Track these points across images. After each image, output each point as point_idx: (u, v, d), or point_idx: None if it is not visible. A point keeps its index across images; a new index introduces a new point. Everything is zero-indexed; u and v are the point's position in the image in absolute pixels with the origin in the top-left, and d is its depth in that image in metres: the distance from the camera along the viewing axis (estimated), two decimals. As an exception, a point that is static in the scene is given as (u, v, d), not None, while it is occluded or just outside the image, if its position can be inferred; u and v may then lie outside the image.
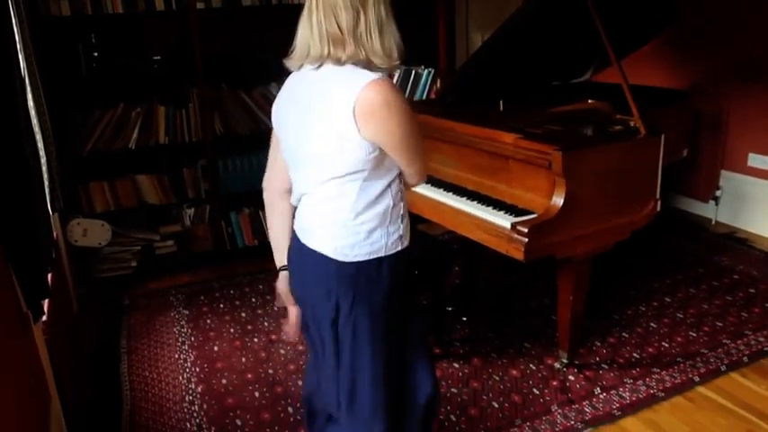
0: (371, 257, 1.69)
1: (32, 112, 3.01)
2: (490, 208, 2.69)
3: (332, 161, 1.63)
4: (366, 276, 1.70)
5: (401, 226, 1.74)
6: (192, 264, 4.25)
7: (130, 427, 2.67)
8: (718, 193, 4.65)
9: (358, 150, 1.59)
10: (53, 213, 3.30)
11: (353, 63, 1.60)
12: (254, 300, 3.76)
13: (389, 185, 1.70)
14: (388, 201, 1.70)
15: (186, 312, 3.64)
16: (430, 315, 3.15)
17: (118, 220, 4.03)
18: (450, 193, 2.92)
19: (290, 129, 1.74)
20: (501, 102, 3.48)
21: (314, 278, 1.75)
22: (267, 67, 4.06)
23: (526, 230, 2.43)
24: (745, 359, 2.98)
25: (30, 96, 2.98)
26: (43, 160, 3.05)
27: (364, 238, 1.68)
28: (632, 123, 2.89)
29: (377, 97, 1.54)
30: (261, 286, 3.92)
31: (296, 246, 1.80)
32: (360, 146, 1.59)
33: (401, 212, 1.74)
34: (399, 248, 1.74)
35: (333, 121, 1.58)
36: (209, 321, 3.53)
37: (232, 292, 3.88)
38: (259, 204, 4.31)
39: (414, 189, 2.33)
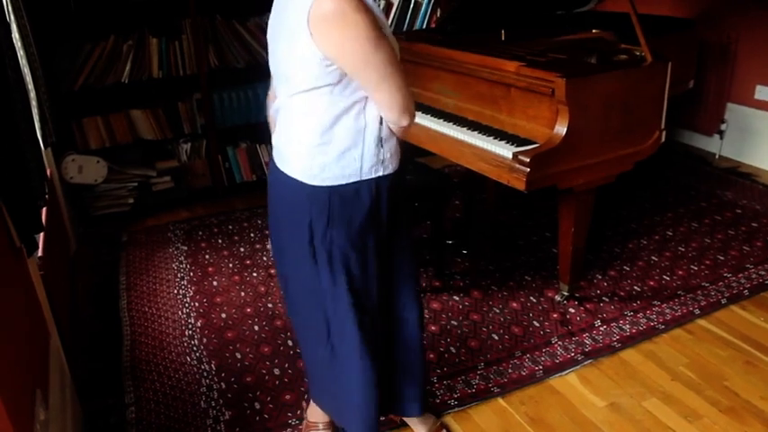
0: (346, 182, 1.64)
1: (18, 44, 2.91)
2: (491, 138, 2.62)
3: (294, 74, 1.59)
4: (341, 200, 1.65)
5: (381, 150, 1.66)
6: (190, 199, 4.21)
7: (131, 362, 2.67)
8: (723, 126, 4.57)
9: (316, 63, 1.52)
10: (45, 148, 3.24)
11: None
12: (252, 235, 3.73)
13: (363, 104, 1.62)
14: (360, 120, 1.62)
15: (185, 248, 3.62)
16: (429, 248, 3.13)
17: (113, 157, 3.97)
18: (451, 124, 2.84)
19: (269, 40, 1.71)
20: (502, 31, 3.38)
21: (288, 203, 1.73)
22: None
23: (528, 160, 2.37)
24: (746, 292, 2.97)
25: (14, 27, 2.88)
26: (32, 94, 2.97)
27: (335, 160, 1.62)
28: (637, 53, 2.80)
29: (330, 6, 1.44)
30: (259, 221, 3.89)
31: (271, 169, 1.78)
32: (316, 58, 1.51)
33: (379, 135, 1.65)
34: (380, 174, 1.67)
35: (292, 32, 1.53)
36: (207, 257, 3.51)
37: (230, 227, 3.86)
38: (256, 138, 4.31)
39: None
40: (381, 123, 1.65)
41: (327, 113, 1.60)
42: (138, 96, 3.98)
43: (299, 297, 1.89)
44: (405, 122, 1.62)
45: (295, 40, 1.53)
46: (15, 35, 2.90)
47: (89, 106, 3.89)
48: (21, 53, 2.94)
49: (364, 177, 1.65)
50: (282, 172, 1.71)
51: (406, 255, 1.88)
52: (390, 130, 1.67)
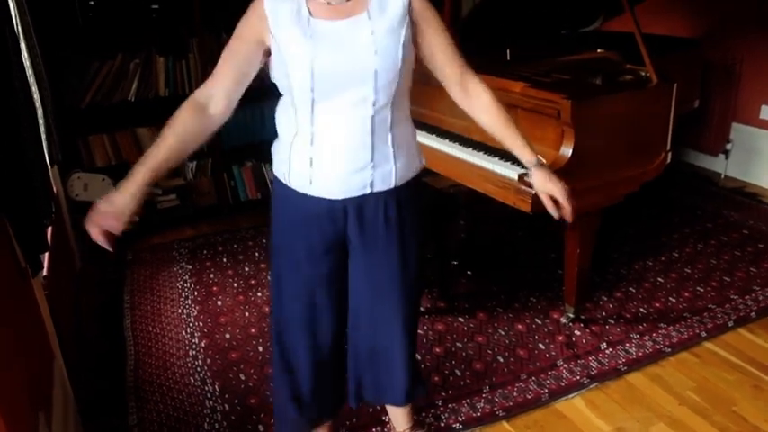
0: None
1: (27, 64, 2.93)
2: (497, 159, 2.63)
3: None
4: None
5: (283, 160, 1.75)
6: (195, 218, 4.21)
7: (135, 382, 2.66)
8: (728, 146, 4.57)
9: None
10: (52, 166, 3.25)
11: None
12: (257, 254, 3.73)
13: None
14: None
15: (189, 267, 3.62)
16: (434, 268, 3.12)
17: (119, 175, 3.92)
18: (456, 144, 2.85)
19: None
20: (508, 51, 3.39)
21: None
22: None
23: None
24: (753, 315, 2.95)
25: (23, 46, 2.90)
26: (39, 112, 2.99)
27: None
28: (643, 73, 2.81)
29: None
30: (264, 240, 3.88)
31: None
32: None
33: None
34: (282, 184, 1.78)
35: None
36: (212, 276, 3.50)
37: (235, 246, 3.85)
38: (261, 157, 4.32)
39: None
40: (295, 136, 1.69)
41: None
42: (144, 114, 3.98)
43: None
44: None
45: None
46: (24, 54, 2.93)
47: (95, 124, 3.91)
48: (29, 72, 2.96)
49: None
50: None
51: (387, 293, 1.87)
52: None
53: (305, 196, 1.71)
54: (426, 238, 2.96)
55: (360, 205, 1.70)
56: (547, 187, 1.80)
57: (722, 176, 4.60)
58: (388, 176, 1.68)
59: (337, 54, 1.56)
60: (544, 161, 1.82)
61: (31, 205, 2.10)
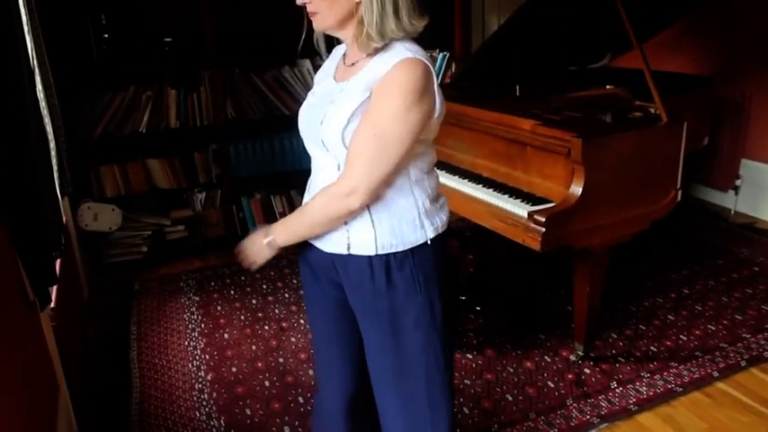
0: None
1: (41, 95, 2.96)
2: (506, 196, 2.62)
3: None
4: None
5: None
6: (203, 249, 4.22)
7: (139, 415, 2.64)
8: (738, 182, 4.56)
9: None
10: (62, 198, 3.27)
11: None
12: (264, 287, 3.72)
13: None
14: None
15: (197, 299, 3.61)
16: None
17: (129, 205, 4.00)
18: (466, 180, 2.85)
19: None
20: (517, 87, 3.41)
21: None
22: (279, 50, 4.01)
23: (543, 220, 2.36)
24: (766, 354, 2.91)
25: (38, 78, 2.94)
26: (52, 144, 3.01)
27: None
28: (652, 110, 2.81)
29: None
30: (272, 273, 3.88)
31: None
32: None
33: None
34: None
35: None
36: (219, 308, 3.49)
37: (243, 278, 3.85)
38: (270, 189, 4.33)
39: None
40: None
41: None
42: (155, 146, 4.03)
43: None
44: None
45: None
46: (39, 86, 2.96)
47: (107, 155, 3.94)
48: (43, 104, 3.00)
49: None
50: None
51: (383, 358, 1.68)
52: None
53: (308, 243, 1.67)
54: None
55: (344, 265, 1.60)
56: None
57: (732, 212, 4.58)
58: (366, 242, 1.54)
59: (303, 116, 1.62)
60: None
61: (40, 238, 2.11)
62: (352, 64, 1.54)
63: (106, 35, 3.90)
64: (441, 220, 1.64)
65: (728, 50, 4.46)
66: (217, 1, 3.88)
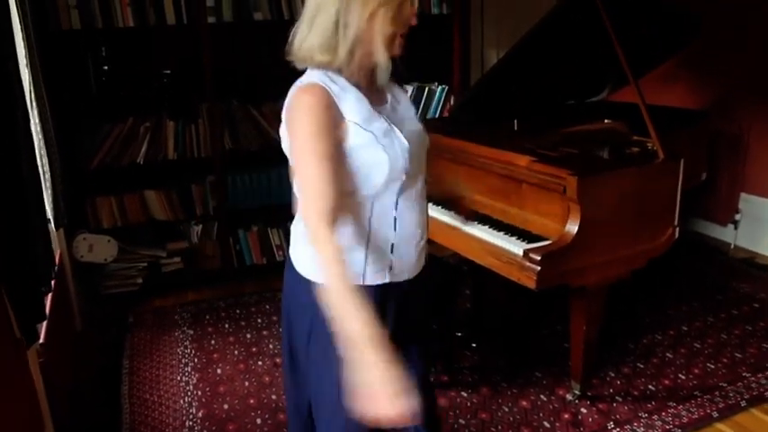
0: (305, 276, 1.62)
1: (37, 128, 2.96)
2: (502, 233, 2.60)
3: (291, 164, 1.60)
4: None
5: (368, 257, 1.59)
6: (199, 281, 4.19)
7: (128, 452, 2.60)
8: (737, 216, 4.53)
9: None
10: (57, 230, 3.26)
11: None
12: (259, 320, 3.68)
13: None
14: (353, 224, 1.57)
15: (191, 332, 3.57)
16: (438, 340, 3.07)
17: (125, 236, 3.99)
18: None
19: None
20: (515, 121, 3.40)
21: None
22: (277, 83, 4.01)
23: (539, 258, 2.33)
24: (767, 394, 2.87)
25: (35, 110, 2.94)
26: (47, 176, 3.00)
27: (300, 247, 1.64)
28: (650, 145, 2.80)
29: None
30: (268, 306, 3.85)
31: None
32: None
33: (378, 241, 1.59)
34: (365, 283, 1.58)
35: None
36: (213, 342, 3.45)
37: (238, 311, 3.81)
38: (268, 222, 4.31)
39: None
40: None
41: None
42: (152, 177, 4.02)
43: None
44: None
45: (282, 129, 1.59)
46: (36, 119, 2.96)
47: (104, 186, 3.94)
48: (40, 137, 2.99)
49: (313, 279, 1.57)
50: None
51: (413, 369, 1.76)
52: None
53: None
54: (430, 308, 2.92)
55: None
56: None
57: (732, 246, 4.55)
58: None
59: (415, 142, 1.65)
60: None
61: (29, 274, 2.09)
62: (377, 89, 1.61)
63: (106, 67, 3.91)
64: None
65: (726, 84, 4.46)
66: (217, 34, 3.89)
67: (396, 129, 1.56)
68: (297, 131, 1.49)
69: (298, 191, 1.56)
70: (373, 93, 1.58)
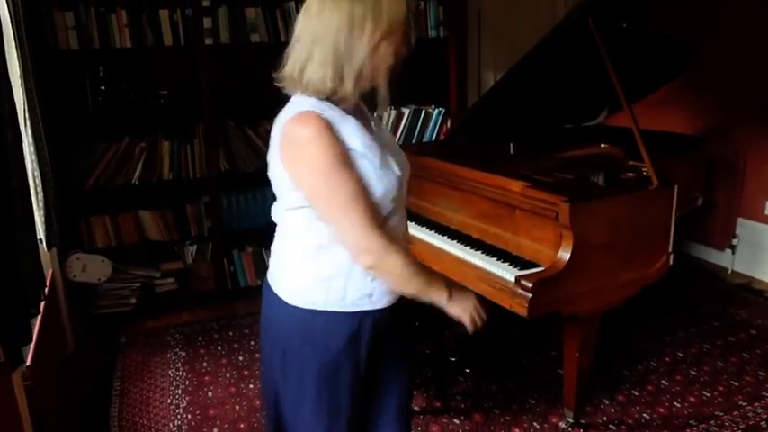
0: (307, 306, 1.59)
1: (30, 148, 2.96)
2: (494, 259, 2.58)
3: (281, 191, 1.58)
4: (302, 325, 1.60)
5: (348, 284, 1.58)
6: (192, 302, 4.16)
7: (114, 478, 2.56)
8: (734, 241, 4.52)
9: (287, 183, 1.53)
10: (49, 250, 3.24)
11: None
12: (252, 343, 3.66)
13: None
14: (336, 251, 1.56)
15: (183, 354, 3.55)
16: (431, 365, 3.04)
17: (119, 256, 3.97)
18: (454, 242, 2.81)
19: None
20: (512, 144, 3.40)
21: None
22: (274, 104, 4.01)
23: (531, 285, 2.31)
24: (764, 424, 2.83)
25: (28, 129, 2.94)
26: (40, 196, 2.99)
27: (304, 280, 1.60)
28: (644, 171, 2.79)
29: (296, 133, 1.47)
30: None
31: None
32: (287, 179, 1.52)
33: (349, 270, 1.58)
34: (343, 309, 1.59)
35: (274, 147, 1.56)
36: (205, 364, 3.42)
37: (231, 333, 3.79)
38: (262, 243, 4.29)
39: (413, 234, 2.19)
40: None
41: (310, 236, 1.57)
42: (147, 197, 4.01)
43: None
44: (363, 263, 1.54)
45: (276, 157, 1.54)
46: (30, 139, 2.96)
47: (98, 205, 3.92)
48: (33, 157, 2.99)
49: (325, 308, 1.59)
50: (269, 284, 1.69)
51: (392, 399, 1.78)
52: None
53: None
54: (423, 334, 2.90)
55: None
56: None
57: (729, 271, 4.53)
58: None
59: (405, 169, 1.71)
60: None
61: (16, 295, 2.07)
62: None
63: (103, 87, 3.92)
64: None
65: (721, 108, 4.46)
66: (214, 56, 3.90)
67: (389, 156, 1.57)
68: (311, 166, 1.46)
69: (328, 222, 1.52)
70: (362, 120, 1.58)
